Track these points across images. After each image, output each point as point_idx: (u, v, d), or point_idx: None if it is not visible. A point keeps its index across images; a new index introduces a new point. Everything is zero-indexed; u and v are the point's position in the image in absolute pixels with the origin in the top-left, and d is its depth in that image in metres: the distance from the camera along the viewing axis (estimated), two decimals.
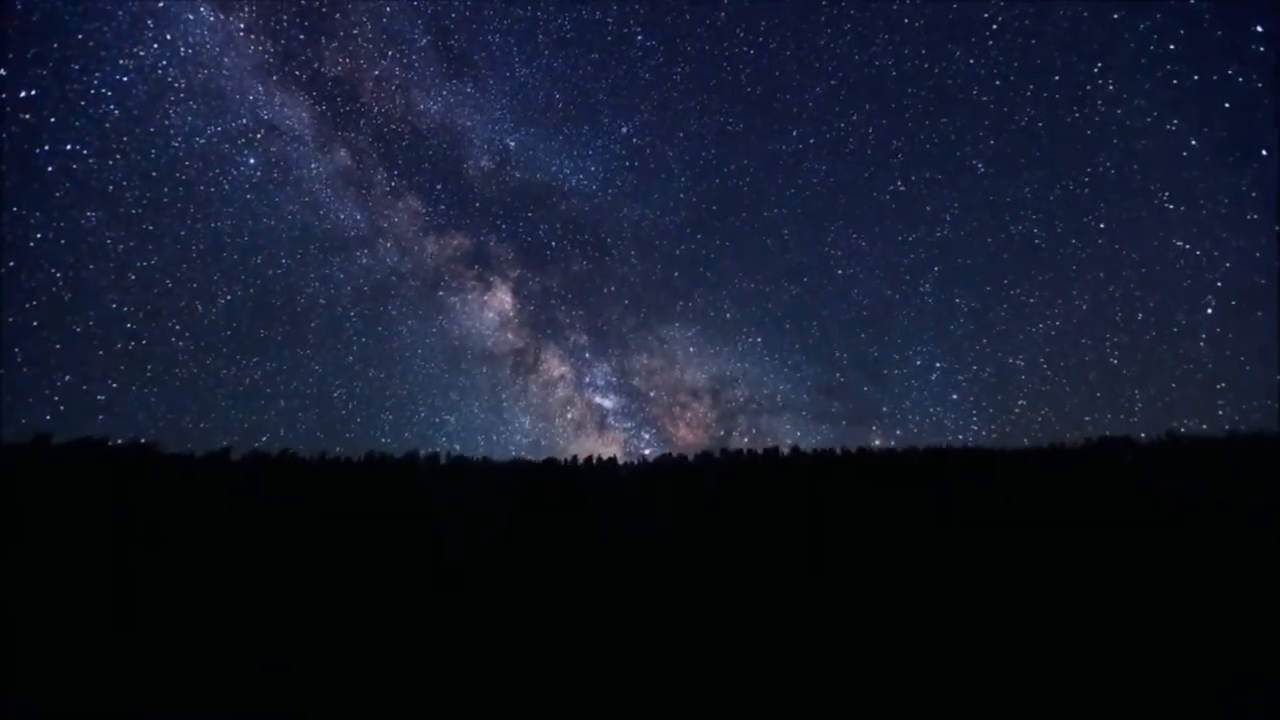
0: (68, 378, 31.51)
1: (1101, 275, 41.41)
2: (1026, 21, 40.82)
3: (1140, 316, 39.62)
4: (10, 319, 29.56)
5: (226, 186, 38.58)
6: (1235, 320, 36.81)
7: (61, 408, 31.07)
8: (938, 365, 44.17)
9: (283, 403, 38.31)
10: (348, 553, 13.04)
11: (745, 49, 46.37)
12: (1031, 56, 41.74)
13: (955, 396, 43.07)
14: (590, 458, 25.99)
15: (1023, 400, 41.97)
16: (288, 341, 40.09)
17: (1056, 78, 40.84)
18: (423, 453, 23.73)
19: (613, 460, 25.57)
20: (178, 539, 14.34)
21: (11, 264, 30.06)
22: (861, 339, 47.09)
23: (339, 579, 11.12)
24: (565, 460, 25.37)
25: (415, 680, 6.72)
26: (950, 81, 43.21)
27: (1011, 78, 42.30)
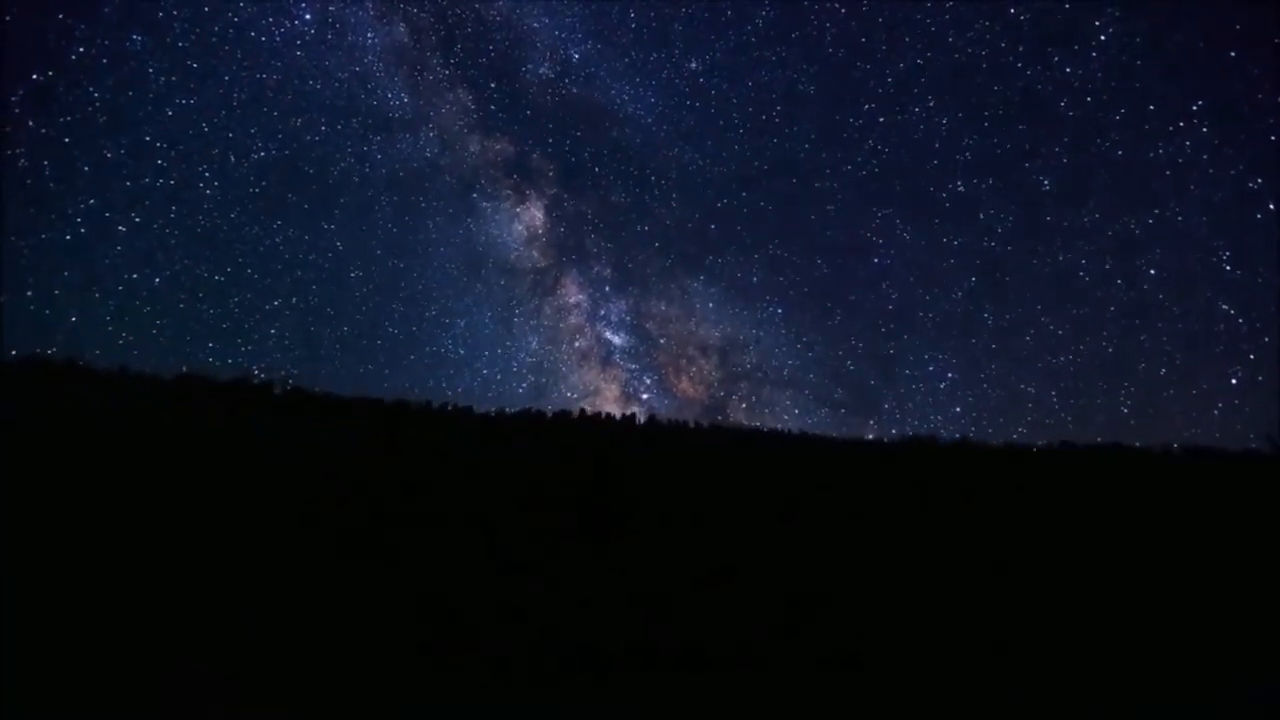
0: (92, 201, 31.04)
1: (1137, 322, 36.97)
2: (1138, 39, 35.33)
3: (1163, 372, 35.37)
4: (43, 130, 28.95)
5: (278, 39, 37.19)
6: (1254, 399, 32.69)
7: (83, 229, 30.83)
8: (949, 375, 40.73)
9: (299, 272, 37.53)
10: (146, 486, 10.38)
11: (836, 5, 42.14)
12: (1131, 79, 36.43)
13: (958, 409, 39.69)
14: (445, 404, 23.30)
15: (1023, 429, 38.51)
16: (314, 212, 39.32)
17: (1151, 107, 35.48)
18: (256, 378, 21.23)
19: (469, 409, 23.03)
20: None
21: (50, 73, 29.35)
22: (881, 332, 43.90)
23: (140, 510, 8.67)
24: (421, 405, 22.82)
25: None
26: (1040, 87, 38.31)
27: (1104, 97, 37.09)
